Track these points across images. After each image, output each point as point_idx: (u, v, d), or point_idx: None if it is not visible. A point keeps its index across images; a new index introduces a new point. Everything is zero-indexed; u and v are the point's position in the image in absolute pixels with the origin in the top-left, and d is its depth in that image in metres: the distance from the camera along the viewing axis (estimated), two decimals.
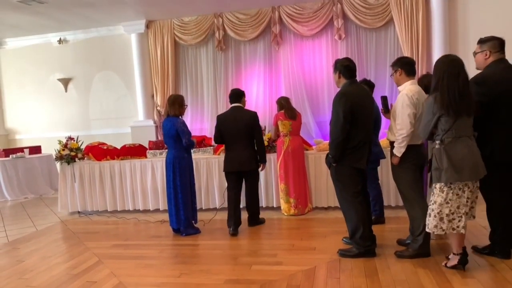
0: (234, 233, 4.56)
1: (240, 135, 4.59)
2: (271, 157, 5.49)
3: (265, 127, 5.81)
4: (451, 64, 2.96)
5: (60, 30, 8.53)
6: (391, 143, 3.59)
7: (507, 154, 3.19)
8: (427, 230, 3.15)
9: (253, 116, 4.68)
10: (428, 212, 3.13)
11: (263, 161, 4.78)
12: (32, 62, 9.01)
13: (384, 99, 3.86)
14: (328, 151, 3.65)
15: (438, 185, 3.06)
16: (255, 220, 4.89)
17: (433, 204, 3.09)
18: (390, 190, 5.22)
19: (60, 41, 8.75)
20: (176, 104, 4.57)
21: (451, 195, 3.01)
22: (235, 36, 7.67)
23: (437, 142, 3.03)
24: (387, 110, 3.81)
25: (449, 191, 3.01)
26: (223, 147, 5.59)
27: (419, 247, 3.44)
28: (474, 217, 3.15)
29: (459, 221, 3.00)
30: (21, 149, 8.07)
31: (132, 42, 8.21)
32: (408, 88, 3.46)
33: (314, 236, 4.35)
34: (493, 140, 3.20)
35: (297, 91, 7.46)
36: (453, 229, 3.02)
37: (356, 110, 3.44)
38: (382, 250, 3.66)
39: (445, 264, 3.21)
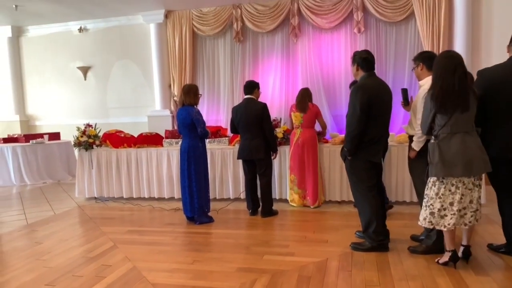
0: (252, 214, 4.96)
1: (250, 125, 4.83)
2: (285, 150, 5.49)
3: (280, 119, 5.81)
4: (447, 61, 2.95)
5: (81, 18, 8.66)
6: (410, 137, 3.56)
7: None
8: (418, 223, 3.14)
9: (262, 107, 4.83)
10: (423, 206, 3.13)
11: (273, 149, 4.96)
12: (52, 50, 9.17)
13: (404, 91, 3.81)
14: (343, 145, 3.63)
15: (431, 179, 3.07)
16: (264, 211, 4.94)
17: (425, 197, 3.11)
18: (405, 186, 5.17)
19: (80, 30, 8.87)
20: (191, 93, 4.60)
21: (443, 190, 3.00)
22: (253, 28, 7.66)
23: (432, 137, 3.05)
24: (407, 103, 3.76)
25: (441, 185, 3.00)
26: (237, 138, 5.64)
27: (433, 243, 3.41)
28: (465, 224, 3.02)
29: (450, 218, 2.97)
30: (41, 135, 8.24)
31: (150, 32, 8.27)
32: (430, 83, 3.40)
33: (327, 229, 4.35)
34: (486, 133, 3.20)
35: (314, 84, 7.41)
36: (444, 226, 3.00)
37: (374, 103, 3.40)
38: (395, 245, 3.64)
39: (438, 260, 3.19)
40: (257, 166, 4.95)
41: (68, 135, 7.98)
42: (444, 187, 3.00)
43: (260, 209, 5.00)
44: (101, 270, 3.36)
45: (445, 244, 3.12)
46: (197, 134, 4.59)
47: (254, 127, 4.82)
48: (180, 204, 5.12)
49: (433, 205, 3.03)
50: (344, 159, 3.66)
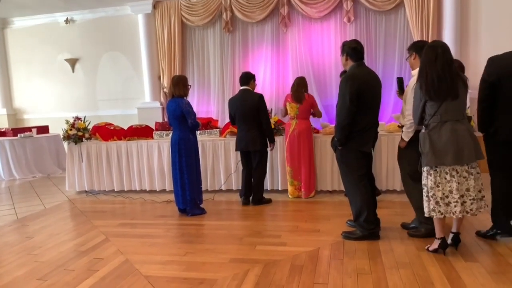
0: (244, 202, 5.04)
1: (246, 117, 4.86)
2: (277, 140, 5.49)
3: (271, 109, 5.80)
4: (429, 50, 2.98)
5: (67, 9, 8.52)
6: (402, 127, 3.59)
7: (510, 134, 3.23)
8: (425, 215, 3.15)
9: (257, 98, 4.84)
10: (424, 198, 3.13)
11: (271, 141, 5.00)
12: (39, 42, 9.02)
13: (399, 80, 3.83)
14: (334, 135, 3.64)
15: (425, 169, 3.09)
16: (256, 199, 5.02)
17: (424, 188, 3.13)
18: (395, 174, 5.21)
19: (67, 21, 8.73)
20: (181, 84, 4.56)
21: (439, 179, 3.02)
22: (242, 18, 7.60)
23: (423, 126, 3.07)
24: (402, 91, 3.77)
25: (436, 174, 3.02)
26: (228, 129, 5.63)
27: (431, 229, 3.43)
28: (467, 212, 3.02)
29: (455, 206, 2.98)
30: (29, 129, 8.14)
31: (139, 23, 8.17)
32: None
33: (319, 218, 4.38)
34: (498, 119, 3.26)
35: (304, 74, 7.34)
36: (453, 213, 3.00)
37: (363, 93, 3.41)
38: (386, 233, 3.68)
39: (428, 247, 3.23)
40: (252, 157, 4.99)
41: (57, 128, 7.90)
42: (439, 176, 3.02)
43: (252, 197, 5.07)
44: (93, 263, 3.36)
45: (436, 231, 3.16)
46: (187, 126, 4.55)
47: (250, 119, 4.85)
48: (171, 196, 5.14)
49: (435, 195, 3.03)
50: (335, 149, 3.68)
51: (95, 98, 8.90)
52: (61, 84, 9.04)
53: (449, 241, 3.17)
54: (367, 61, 3.72)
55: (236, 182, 5.61)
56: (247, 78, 4.96)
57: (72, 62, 8.86)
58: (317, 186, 5.45)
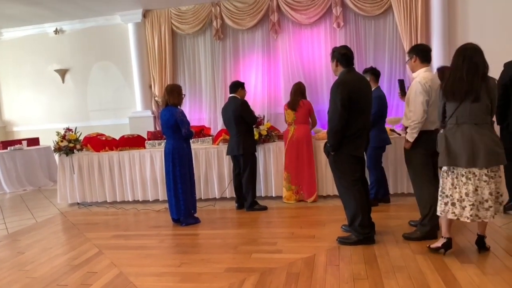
0: (237, 207, 5.20)
1: (230, 123, 5.05)
2: (270, 147, 5.49)
3: (264, 116, 5.80)
4: (458, 52, 3.02)
5: (57, 20, 8.46)
6: (406, 128, 3.65)
7: None
8: (437, 213, 3.18)
9: (239, 104, 4.95)
10: (439, 197, 3.16)
11: (252, 123, 5.20)
12: (28, 53, 8.94)
13: (401, 82, 3.87)
14: (326, 140, 3.65)
15: (443, 169, 3.14)
16: (247, 205, 5.07)
17: (440, 187, 3.16)
18: (388, 178, 5.20)
19: (56, 32, 8.67)
20: (175, 93, 4.55)
21: (456, 180, 3.03)
22: (233, 25, 7.61)
23: (442, 127, 3.15)
24: (404, 93, 3.82)
25: (453, 175, 3.05)
26: (221, 137, 5.63)
27: (427, 232, 3.51)
28: (479, 218, 2.99)
29: (470, 209, 2.95)
30: (19, 141, 8.05)
31: (129, 32, 8.14)
32: (422, 76, 3.49)
33: (313, 224, 4.36)
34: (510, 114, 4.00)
35: (296, 80, 7.32)
36: (467, 217, 2.96)
37: (354, 98, 3.43)
38: (381, 237, 3.68)
39: (429, 245, 3.26)
40: (240, 162, 5.06)
41: (48, 140, 7.79)
42: (456, 178, 3.03)
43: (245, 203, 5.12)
44: (87, 277, 3.30)
45: (441, 230, 3.20)
46: (181, 135, 4.52)
47: (235, 125, 4.98)
48: (165, 205, 5.09)
49: (452, 196, 3.04)
50: (327, 154, 3.68)
51: (86, 108, 8.82)
52: (51, 95, 8.96)
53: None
54: (357, 66, 3.74)
55: (230, 190, 5.58)
56: (234, 86, 5.12)
57: (62, 73, 8.79)
58: (321, 191, 5.41)
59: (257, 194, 5.28)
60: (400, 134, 5.19)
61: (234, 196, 5.31)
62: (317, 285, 2.84)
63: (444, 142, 3.03)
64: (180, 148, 4.56)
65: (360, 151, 3.58)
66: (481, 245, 3.19)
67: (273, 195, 5.55)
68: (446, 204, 3.08)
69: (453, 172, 3.05)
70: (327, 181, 5.36)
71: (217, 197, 5.66)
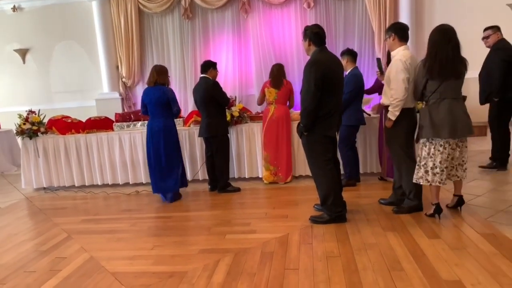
0: (210, 189, 5.17)
1: (203, 104, 4.92)
2: (242, 128, 5.45)
3: (235, 97, 5.74)
4: (442, 33, 3.24)
5: None
6: (386, 107, 3.70)
7: None
8: (414, 181, 3.49)
9: (211, 85, 4.85)
10: (416, 165, 3.49)
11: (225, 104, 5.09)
12: None
13: (378, 61, 3.89)
14: (299, 121, 3.65)
15: (421, 141, 3.44)
16: (219, 186, 5.05)
17: (418, 157, 3.49)
18: (366, 157, 5.29)
19: (14, 9, 8.23)
20: (165, 73, 4.70)
21: (433, 150, 3.36)
22: (202, 4, 7.45)
23: (424, 102, 3.39)
24: (382, 72, 3.85)
25: (431, 146, 3.36)
26: (193, 118, 5.54)
27: (414, 206, 3.69)
28: (458, 177, 3.48)
29: (441, 175, 3.34)
30: None
31: (93, 10, 7.82)
32: (401, 54, 3.55)
33: (286, 204, 4.40)
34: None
35: (267, 60, 7.38)
36: (439, 182, 3.35)
37: (327, 78, 3.42)
38: (353, 215, 3.75)
39: (426, 213, 3.57)
40: (212, 144, 4.99)
41: (10, 124, 7.47)
42: (434, 147, 3.35)
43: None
44: (56, 263, 3.21)
45: (431, 197, 3.49)
46: (170, 113, 4.66)
47: (206, 106, 4.88)
48: (136, 188, 5.03)
49: (426, 164, 3.40)
50: (300, 135, 3.68)
51: (50, 90, 8.48)
52: (12, 76, 8.55)
53: (453, 204, 3.64)
54: (328, 47, 3.71)
55: (202, 172, 5.53)
56: (205, 66, 4.96)
57: (23, 53, 8.39)
58: (294, 171, 5.44)
59: (230, 176, 5.25)
60: (369, 115, 5.26)
61: (207, 178, 5.27)
62: (291, 264, 2.88)
63: (428, 116, 3.31)
64: (171, 125, 4.72)
65: (332, 131, 3.60)
66: (461, 202, 3.61)
67: (246, 177, 5.54)
68: (419, 172, 3.43)
69: (431, 142, 3.36)
70: (299, 162, 5.39)
71: (189, 179, 5.60)
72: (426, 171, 3.39)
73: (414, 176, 3.48)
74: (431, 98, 3.32)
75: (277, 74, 5.17)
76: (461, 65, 3.25)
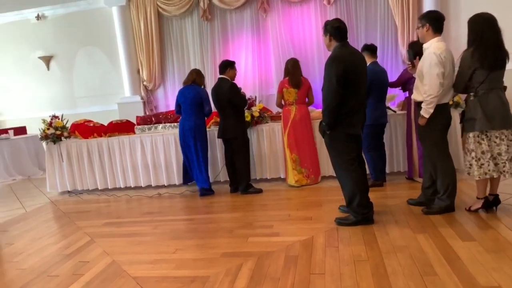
0: (231, 190, 5.12)
1: (221, 106, 4.91)
2: (263, 128, 5.36)
3: (255, 97, 5.66)
4: (488, 21, 3.16)
5: (37, 5, 8.18)
6: (418, 103, 3.50)
7: None
8: (476, 178, 3.33)
9: (228, 87, 4.78)
10: (468, 163, 3.36)
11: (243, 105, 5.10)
12: (10, 40, 8.66)
13: (409, 53, 3.66)
14: (321, 119, 3.52)
15: (471, 134, 3.30)
16: (240, 188, 4.97)
17: (470, 153, 3.32)
18: (393, 156, 5.12)
19: (38, 17, 8.38)
20: (202, 76, 5.08)
21: (489, 142, 3.25)
22: (220, 5, 7.39)
23: (472, 94, 3.26)
24: (414, 65, 3.61)
25: (486, 139, 3.25)
26: (213, 120, 5.49)
27: (446, 206, 3.49)
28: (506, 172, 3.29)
29: (503, 166, 3.25)
30: (5, 131, 7.84)
31: (113, 16, 7.87)
32: (435, 46, 3.31)
33: (310, 205, 4.28)
34: None
35: (286, 59, 7.23)
36: (501, 172, 3.27)
37: (350, 74, 3.28)
38: (380, 217, 3.60)
39: (469, 208, 3.46)
40: (231, 146, 4.95)
41: (35, 129, 7.59)
42: (489, 140, 3.25)
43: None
44: (78, 267, 3.20)
45: (478, 192, 3.41)
46: (202, 113, 4.92)
47: (224, 108, 4.86)
48: (159, 191, 5.12)
49: (482, 157, 3.27)
50: (323, 134, 3.55)
51: (73, 95, 8.60)
52: (37, 82, 8.71)
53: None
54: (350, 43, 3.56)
55: (223, 174, 5.46)
56: (223, 67, 4.90)
57: (47, 60, 8.54)
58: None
59: (251, 177, 5.16)
60: (395, 111, 5.08)
61: (228, 179, 5.20)
62: (317, 268, 2.76)
63: (480, 107, 3.20)
64: (202, 124, 4.96)
65: (356, 129, 3.46)
66: (497, 202, 3.42)
67: (268, 178, 5.44)
68: (483, 168, 3.27)
69: (486, 135, 3.25)
70: (322, 162, 5.25)
71: (211, 181, 5.54)
72: (482, 165, 3.27)
73: (476, 173, 3.28)
74: (480, 89, 3.20)
75: (293, 72, 4.97)
76: (505, 54, 3.19)
